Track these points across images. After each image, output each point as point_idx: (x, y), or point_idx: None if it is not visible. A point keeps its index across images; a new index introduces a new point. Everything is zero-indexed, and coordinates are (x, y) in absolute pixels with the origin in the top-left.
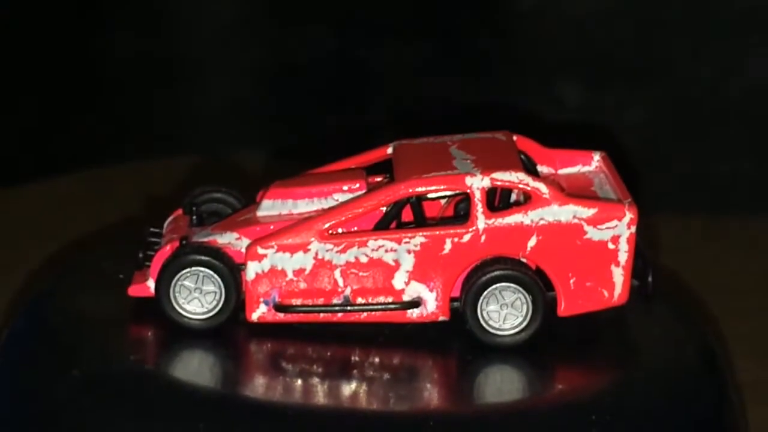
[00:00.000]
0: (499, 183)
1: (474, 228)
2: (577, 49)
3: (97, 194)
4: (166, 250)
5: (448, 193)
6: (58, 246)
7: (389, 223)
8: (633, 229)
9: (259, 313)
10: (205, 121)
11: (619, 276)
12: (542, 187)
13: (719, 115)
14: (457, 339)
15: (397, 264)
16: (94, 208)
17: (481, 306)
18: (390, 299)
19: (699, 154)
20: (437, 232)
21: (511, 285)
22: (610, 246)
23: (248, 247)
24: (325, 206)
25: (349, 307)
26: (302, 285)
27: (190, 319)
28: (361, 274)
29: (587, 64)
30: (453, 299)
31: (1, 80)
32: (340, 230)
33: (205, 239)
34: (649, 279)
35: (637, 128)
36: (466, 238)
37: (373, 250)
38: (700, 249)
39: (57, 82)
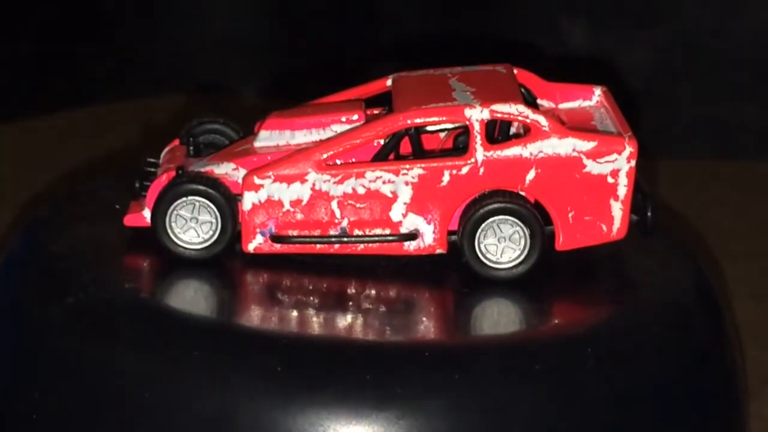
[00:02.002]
0: (498, 115)
1: (473, 160)
2: None
3: (95, 130)
4: (163, 180)
5: (447, 126)
6: (55, 177)
7: (387, 154)
8: (633, 163)
9: (255, 243)
10: (204, 56)
11: (618, 210)
12: (542, 120)
13: (724, 57)
14: (454, 272)
15: (395, 196)
16: (93, 143)
17: (478, 239)
18: (387, 231)
19: (703, 97)
20: (435, 164)
21: (509, 218)
22: (610, 180)
23: (245, 177)
24: (323, 137)
25: (345, 239)
26: (299, 216)
27: (186, 248)
28: (358, 205)
29: (591, 1)
30: (450, 232)
31: None
32: (337, 161)
33: (202, 169)
34: (648, 214)
35: (640, 69)
36: (465, 170)
37: (370, 181)
38: (701, 192)
39: (54, 17)
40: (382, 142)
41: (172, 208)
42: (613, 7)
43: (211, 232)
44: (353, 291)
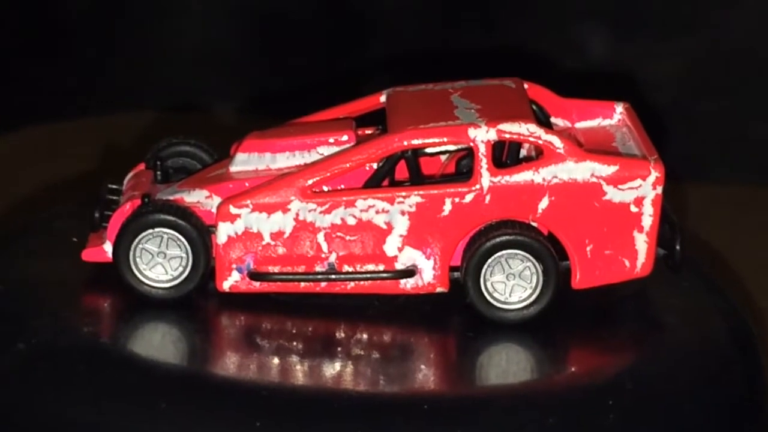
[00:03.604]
0: (506, 135)
1: (478, 186)
2: None
3: (50, 151)
4: (126, 209)
5: (449, 147)
6: (6, 206)
7: (381, 180)
8: (659, 189)
9: (231, 281)
10: (172, 70)
11: (642, 243)
12: (556, 141)
13: (759, 71)
14: (456, 314)
15: (390, 227)
16: (47, 167)
17: (484, 276)
18: (381, 267)
19: (736, 115)
20: (435, 191)
21: (519, 252)
22: (633, 209)
23: (219, 206)
24: (308, 160)
25: (333, 276)
26: (281, 250)
27: (153, 287)
28: (347, 238)
29: (612, 8)
30: (453, 268)
31: None
32: (324, 188)
33: (171, 197)
34: (677, 247)
35: (666, 84)
36: (469, 198)
37: (362, 210)
38: (734, 220)
39: (10, 30)
40: (375, 166)
41: (136, 241)
42: (636, 14)
43: (181, 269)
44: (342, 335)
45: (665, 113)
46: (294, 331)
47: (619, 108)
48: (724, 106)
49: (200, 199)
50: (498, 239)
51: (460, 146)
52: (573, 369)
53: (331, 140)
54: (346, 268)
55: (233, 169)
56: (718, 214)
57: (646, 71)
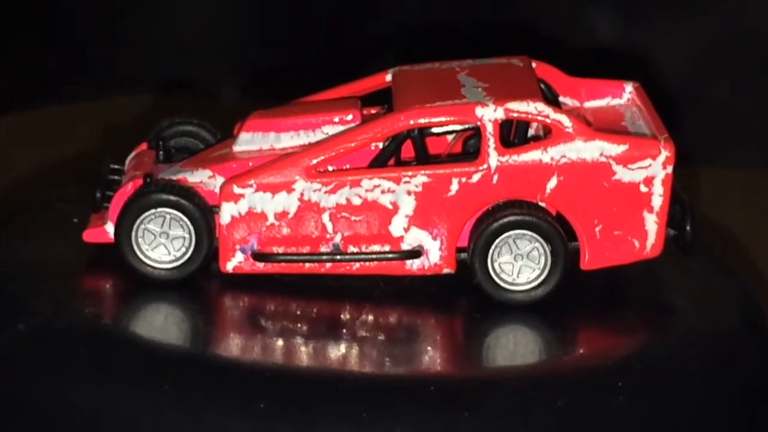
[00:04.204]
0: (514, 114)
1: (485, 166)
2: None
3: (50, 133)
4: (128, 189)
5: (456, 126)
6: (6, 187)
7: (387, 160)
8: (669, 169)
9: (234, 262)
10: (173, 50)
11: (652, 224)
12: (564, 120)
13: None
14: (463, 295)
15: (395, 207)
16: (48, 149)
17: (492, 257)
18: (386, 248)
19: (748, 96)
20: (442, 171)
21: (527, 233)
22: (643, 188)
23: (223, 186)
24: (313, 140)
25: (338, 257)
26: (285, 230)
27: (155, 268)
28: (353, 218)
29: None
30: (459, 249)
31: None
32: (329, 167)
33: (173, 177)
34: (688, 228)
35: (678, 63)
36: (476, 177)
37: (367, 190)
38: (747, 203)
39: (6, 11)
40: (380, 145)
41: (138, 221)
42: None
43: (183, 249)
44: (347, 317)
45: (676, 95)
46: (298, 313)
47: (629, 87)
48: (737, 88)
49: (203, 179)
50: (505, 219)
51: (467, 125)
52: (581, 351)
53: (336, 119)
54: (352, 248)
55: (237, 148)
56: (730, 198)
57: (657, 51)
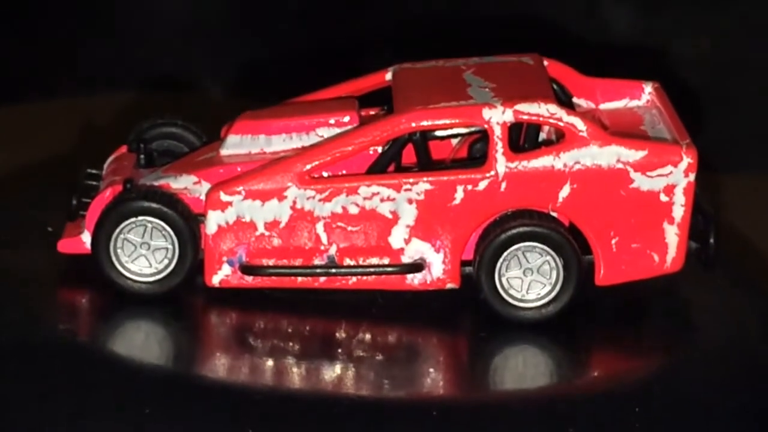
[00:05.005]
0: (524, 117)
1: (492, 173)
2: None
3: (24, 133)
4: (106, 196)
5: (461, 129)
6: None
7: (386, 165)
8: (691, 176)
9: (221, 275)
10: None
11: (673, 236)
12: (579, 123)
13: None
14: (468, 312)
15: (396, 217)
16: (21, 150)
17: (499, 271)
18: (385, 261)
19: None
20: (446, 178)
21: (538, 245)
22: (663, 198)
23: (209, 193)
24: (307, 143)
25: (334, 270)
26: (276, 241)
27: (135, 281)
28: (349, 228)
29: None
30: (464, 262)
31: None
32: (324, 173)
33: (156, 182)
34: (711, 240)
35: (700, 62)
36: (483, 185)
37: (365, 198)
38: None
39: None
40: (379, 149)
41: (117, 230)
42: None
43: (166, 261)
44: (343, 335)
45: (699, 95)
46: (290, 331)
47: (648, 88)
48: (764, 88)
49: (188, 185)
50: (514, 230)
51: (473, 128)
52: (596, 373)
53: (332, 121)
54: (348, 261)
55: (224, 152)
56: (756, 207)
57: (678, 48)
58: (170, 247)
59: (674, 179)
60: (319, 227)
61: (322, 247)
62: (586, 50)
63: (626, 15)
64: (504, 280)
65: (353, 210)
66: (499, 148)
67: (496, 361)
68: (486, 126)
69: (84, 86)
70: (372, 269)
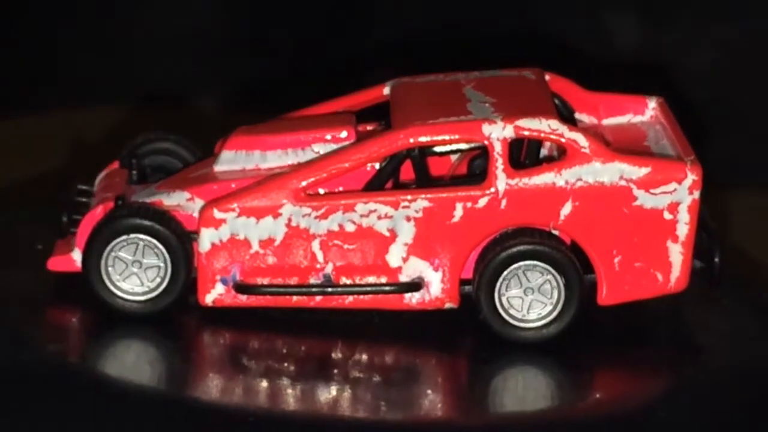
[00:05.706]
0: (525, 132)
1: (492, 190)
2: None
3: (13, 148)
4: (97, 213)
5: (461, 145)
6: None
7: (384, 182)
8: (696, 194)
9: (214, 294)
10: (150, 56)
11: (677, 255)
12: (581, 139)
13: None
14: (468, 332)
15: (393, 234)
16: (10, 166)
17: (499, 290)
18: (383, 280)
19: None
20: (445, 195)
21: (539, 264)
22: (667, 216)
23: (202, 210)
24: (302, 159)
25: (330, 289)
26: (270, 259)
27: (127, 300)
28: (346, 246)
29: None
30: (464, 281)
31: None
32: (320, 190)
33: (148, 199)
34: (716, 259)
35: (706, 76)
36: (482, 202)
37: (362, 216)
38: None
39: None
40: (377, 166)
41: (109, 248)
42: None
43: (158, 280)
44: (339, 356)
45: (704, 110)
46: (285, 351)
47: (652, 103)
48: None
49: (181, 201)
50: (515, 249)
51: (473, 144)
52: (598, 395)
53: (329, 137)
54: (344, 280)
55: (218, 168)
56: (763, 225)
57: (682, 62)
58: (162, 265)
59: (678, 197)
60: (315, 245)
61: (318, 266)
62: (588, 64)
63: (629, 29)
64: (504, 299)
65: (350, 228)
66: (499, 164)
67: (496, 382)
68: (486, 142)
69: (75, 100)
70: (369, 288)
